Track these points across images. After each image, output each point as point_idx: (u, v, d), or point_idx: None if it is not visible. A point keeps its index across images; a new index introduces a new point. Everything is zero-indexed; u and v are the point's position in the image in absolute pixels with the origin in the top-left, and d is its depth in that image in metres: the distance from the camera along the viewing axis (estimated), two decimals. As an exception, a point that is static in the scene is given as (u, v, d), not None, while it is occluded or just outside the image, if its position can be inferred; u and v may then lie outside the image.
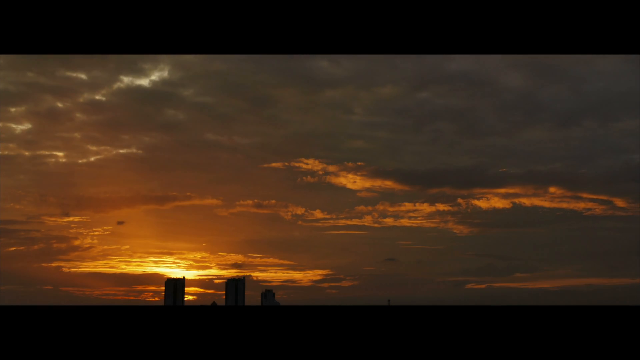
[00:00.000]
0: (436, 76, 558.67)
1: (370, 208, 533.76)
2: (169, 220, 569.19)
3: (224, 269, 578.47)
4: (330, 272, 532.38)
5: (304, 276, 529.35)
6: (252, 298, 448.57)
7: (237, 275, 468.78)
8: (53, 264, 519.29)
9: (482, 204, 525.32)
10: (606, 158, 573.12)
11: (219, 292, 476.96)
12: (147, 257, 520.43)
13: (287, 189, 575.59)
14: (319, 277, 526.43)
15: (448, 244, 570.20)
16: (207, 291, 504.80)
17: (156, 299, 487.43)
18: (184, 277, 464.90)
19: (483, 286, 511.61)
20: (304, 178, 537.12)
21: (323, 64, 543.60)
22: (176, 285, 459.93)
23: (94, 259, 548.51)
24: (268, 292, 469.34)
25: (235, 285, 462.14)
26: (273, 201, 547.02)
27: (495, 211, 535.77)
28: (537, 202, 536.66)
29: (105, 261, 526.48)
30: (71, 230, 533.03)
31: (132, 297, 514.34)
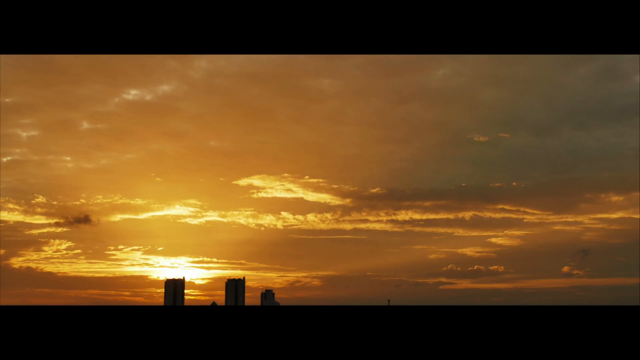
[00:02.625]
0: (418, 91, 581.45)
1: (328, 215, 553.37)
2: (145, 227, 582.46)
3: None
4: (304, 274, 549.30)
5: (273, 277, 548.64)
6: (229, 297, 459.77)
7: (236, 276, 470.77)
8: (24, 265, 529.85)
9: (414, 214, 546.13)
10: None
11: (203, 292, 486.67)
12: (125, 261, 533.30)
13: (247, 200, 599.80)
14: (294, 279, 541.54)
15: (408, 247, 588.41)
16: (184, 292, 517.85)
17: (141, 299, 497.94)
18: (183, 278, 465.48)
19: (456, 287, 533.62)
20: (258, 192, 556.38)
21: (315, 82, 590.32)
22: (176, 286, 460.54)
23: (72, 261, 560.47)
24: (268, 292, 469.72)
25: (235, 285, 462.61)
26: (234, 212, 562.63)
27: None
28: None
29: (84, 264, 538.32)
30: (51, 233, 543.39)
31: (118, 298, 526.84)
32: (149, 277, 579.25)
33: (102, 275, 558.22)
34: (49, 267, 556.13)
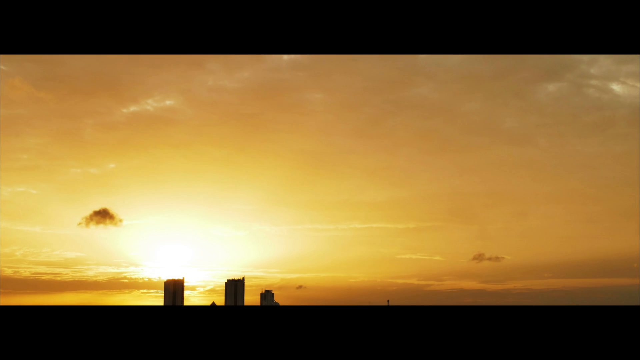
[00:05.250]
0: (401, 105, 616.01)
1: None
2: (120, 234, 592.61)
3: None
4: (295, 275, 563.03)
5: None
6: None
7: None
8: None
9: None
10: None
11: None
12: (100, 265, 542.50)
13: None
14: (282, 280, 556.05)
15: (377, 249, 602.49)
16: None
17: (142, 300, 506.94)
18: (183, 278, 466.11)
19: (442, 288, 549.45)
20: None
21: (310, 95, 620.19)
22: (175, 286, 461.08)
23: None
24: (267, 292, 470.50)
25: (234, 286, 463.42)
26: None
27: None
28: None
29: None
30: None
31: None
32: (149, 279, 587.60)
33: (88, 279, 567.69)
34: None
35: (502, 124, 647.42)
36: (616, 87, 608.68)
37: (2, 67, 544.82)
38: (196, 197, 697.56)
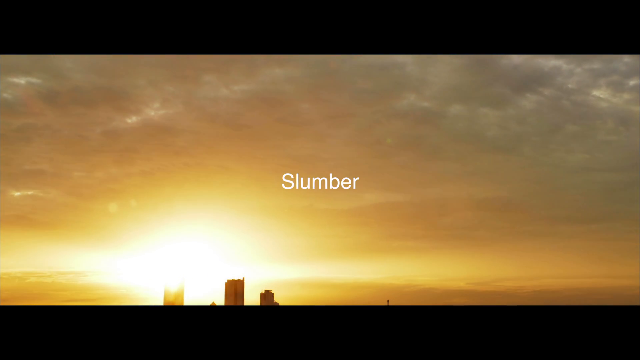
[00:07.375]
0: (390, 115, 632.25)
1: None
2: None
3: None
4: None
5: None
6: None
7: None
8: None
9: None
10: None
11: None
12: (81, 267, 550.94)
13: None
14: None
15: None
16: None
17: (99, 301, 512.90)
18: (184, 279, 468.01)
19: (434, 287, 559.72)
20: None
21: (304, 106, 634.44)
22: (176, 287, 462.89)
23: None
24: (267, 292, 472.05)
25: (234, 286, 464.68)
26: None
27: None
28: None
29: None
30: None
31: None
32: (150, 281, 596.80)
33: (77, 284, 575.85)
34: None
35: (487, 132, 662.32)
36: (594, 98, 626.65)
37: (9, 79, 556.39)
38: (196, 200, 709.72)
